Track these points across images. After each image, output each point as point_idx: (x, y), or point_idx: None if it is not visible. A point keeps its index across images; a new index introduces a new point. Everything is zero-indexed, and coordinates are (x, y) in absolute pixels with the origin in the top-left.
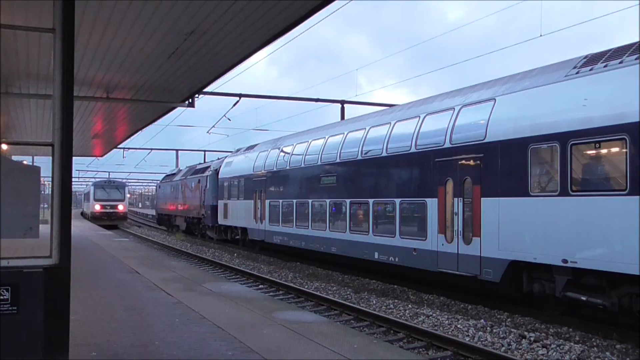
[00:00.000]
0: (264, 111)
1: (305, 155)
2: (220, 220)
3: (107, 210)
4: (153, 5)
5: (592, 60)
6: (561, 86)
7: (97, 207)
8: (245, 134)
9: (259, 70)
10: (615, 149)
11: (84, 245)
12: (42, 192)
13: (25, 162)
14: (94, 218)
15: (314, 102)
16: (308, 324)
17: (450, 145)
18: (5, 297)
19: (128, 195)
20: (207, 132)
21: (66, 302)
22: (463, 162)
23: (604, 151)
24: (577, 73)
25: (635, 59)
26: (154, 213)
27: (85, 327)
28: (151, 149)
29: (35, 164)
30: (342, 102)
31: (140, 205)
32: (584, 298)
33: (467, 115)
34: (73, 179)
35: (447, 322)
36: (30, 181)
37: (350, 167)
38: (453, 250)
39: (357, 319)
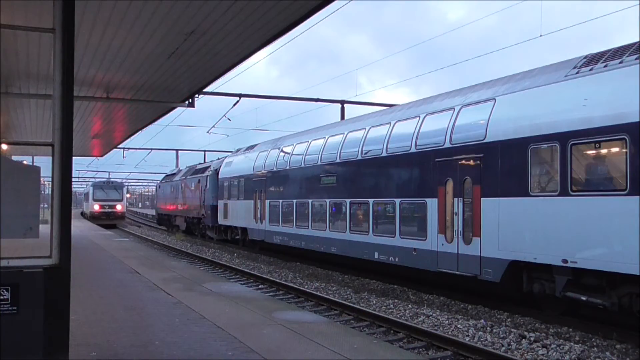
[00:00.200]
0: (264, 111)
1: (305, 155)
2: (220, 220)
3: (106, 210)
4: (153, 5)
5: (592, 60)
6: (561, 86)
7: (96, 207)
8: (245, 134)
9: (259, 70)
10: (615, 149)
11: (84, 245)
12: (42, 192)
13: (25, 162)
14: (93, 217)
15: (314, 102)
16: (308, 324)
17: (450, 145)
18: (5, 297)
19: (128, 195)
20: (207, 132)
21: (66, 302)
22: (463, 162)
23: (604, 151)
24: (577, 73)
25: (635, 59)
26: (154, 213)
27: (85, 327)
28: (151, 149)
29: (35, 164)
30: (342, 102)
31: (140, 205)
32: (584, 298)
33: (467, 115)
34: (73, 179)
35: (447, 322)
36: (30, 181)
37: (350, 167)
38: (453, 250)
39: (357, 319)
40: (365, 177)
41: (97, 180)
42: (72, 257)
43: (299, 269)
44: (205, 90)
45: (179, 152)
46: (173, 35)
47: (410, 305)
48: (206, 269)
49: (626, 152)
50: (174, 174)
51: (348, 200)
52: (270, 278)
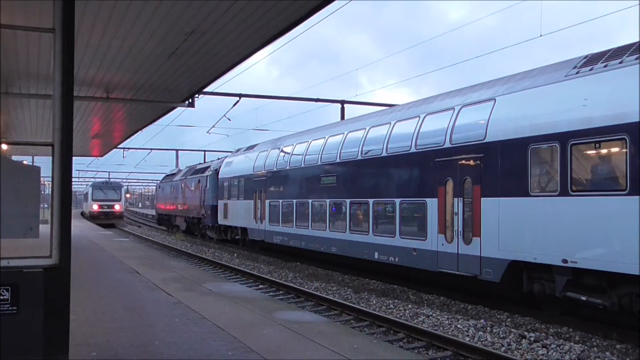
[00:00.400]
0: (264, 111)
1: (305, 155)
2: (220, 220)
3: (105, 210)
4: (153, 5)
5: (592, 60)
6: (561, 86)
7: (95, 207)
8: (245, 134)
9: (259, 70)
10: (615, 149)
11: (84, 245)
12: (42, 192)
13: (25, 162)
14: (92, 217)
15: (314, 102)
16: (308, 324)
17: (450, 145)
18: (5, 297)
19: (128, 195)
20: (207, 132)
21: (66, 302)
22: (463, 162)
23: (604, 151)
24: (577, 73)
25: (635, 59)
26: (154, 213)
27: (85, 327)
28: (151, 149)
29: (35, 164)
30: (342, 102)
31: (140, 205)
32: (584, 298)
33: (467, 115)
34: (73, 179)
35: (447, 322)
36: (30, 181)
37: (350, 167)
38: (453, 250)
39: (357, 319)
40: (365, 177)
41: (97, 180)
42: (72, 257)
43: (299, 269)
44: (205, 90)
45: (179, 152)
46: (173, 35)
47: (410, 305)
48: (206, 269)
49: (626, 152)
50: (174, 174)
51: (348, 200)
52: (270, 278)
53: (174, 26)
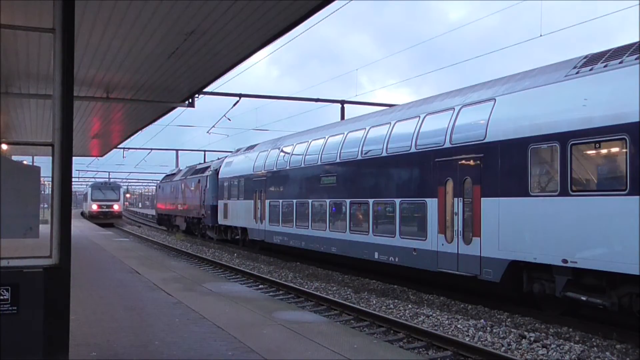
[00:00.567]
0: (264, 111)
1: (305, 155)
2: (220, 220)
3: (104, 210)
4: (153, 5)
5: (592, 60)
6: (561, 86)
7: (94, 207)
8: (245, 134)
9: (259, 70)
10: (615, 149)
11: (84, 245)
12: (42, 192)
13: (25, 162)
14: (92, 217)
15: (314, 102)
16: (308, 324)
17: (450, 145)
18: (5, 297)
19: (128, 195)
20: (207, 132)
21: (66, 302)
22: (463, 162)
23: (604, 151)
24: (577, 73)
25: (635, 59)
26: (154, 213)
27: (85, 327)
28: (151, 149)
29: (35, 164)
30: (342, 102)
31: (140, 205)
32: (584, 298)
33: (467, 115)
34: (73, 179)
35: (447, 322)
36: (30, 181)
37: (350, 167)
38: (453, 250)
39: (357, 319)
40: (365, 177)
41: (96, 181)
42: (72, 257)
43: (299, 269)
44: (205, 90)
45: (179, 152)
46: (173, 35)
47: (410, 305)
48: (206, 269)
49: (626, 152)
50: (174, 174)
51: (348, 200)
52: (270, 278)
53: (174, 26)
